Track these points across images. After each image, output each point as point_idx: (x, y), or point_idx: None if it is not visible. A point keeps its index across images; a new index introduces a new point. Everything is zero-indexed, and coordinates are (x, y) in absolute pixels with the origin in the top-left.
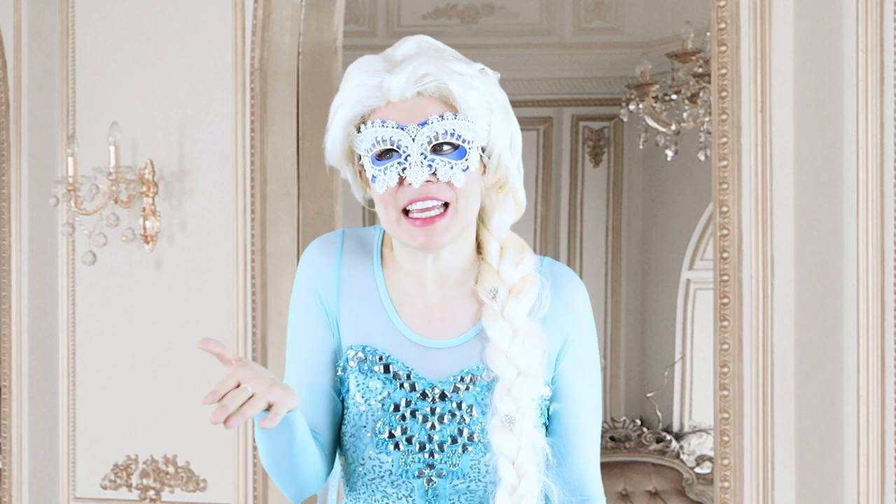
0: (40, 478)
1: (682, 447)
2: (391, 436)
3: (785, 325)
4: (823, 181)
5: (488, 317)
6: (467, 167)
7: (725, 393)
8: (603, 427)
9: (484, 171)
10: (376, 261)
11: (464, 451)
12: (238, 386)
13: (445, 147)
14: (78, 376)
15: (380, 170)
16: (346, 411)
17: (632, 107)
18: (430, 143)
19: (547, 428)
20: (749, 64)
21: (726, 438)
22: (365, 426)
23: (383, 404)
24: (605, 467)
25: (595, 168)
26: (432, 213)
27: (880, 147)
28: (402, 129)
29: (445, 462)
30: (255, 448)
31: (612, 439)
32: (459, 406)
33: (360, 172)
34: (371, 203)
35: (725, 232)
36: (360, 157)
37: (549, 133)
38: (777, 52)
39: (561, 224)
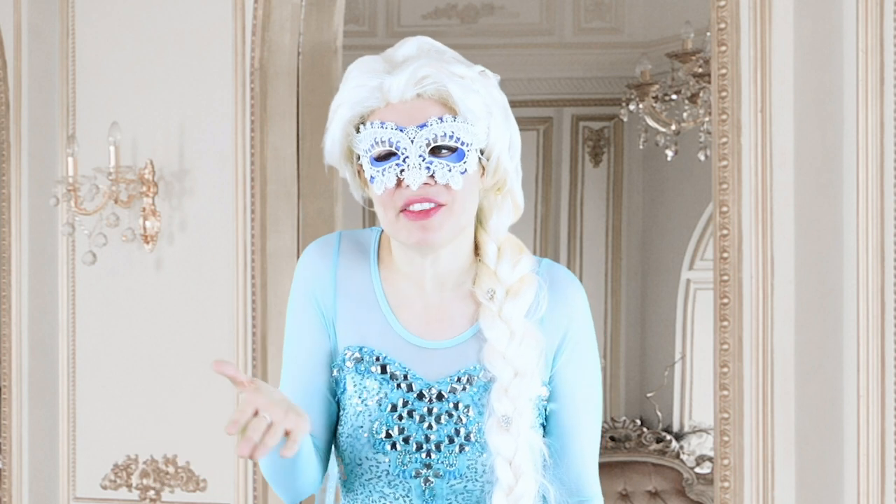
0: (40, 478)
1: (682, 447)
2: (388, 436)
3: (785, 325)
4: (823, 181)
5: (486, 318)
6: (465, 170)
7: (725, 393)
8: (603, 427)
9: (482, 174)
10: (373, 262)
11: (461, 451)
12: (256, 414)
13: (444, 150)
14: (78, 376)
15: (378, 171)
16: (342, 412)
17: (632, 107)
18: (428, 145)
19: (545, 428)
20: (749, 64)
21: (726, 438)
22: (362, 426)
23: (380, 404)
24: (605, 467)
25: (595, 168)
26: (427, 206)
27: (880, 147)
28: (401, 130)
29: (442, 462)
30: None
31: (612, 439)
32: (456, 406)
33: (358, 172)
34: (369, 202)
35: (725, 232)
36: (359, 157)
37: (549, 133)
38: (777, 52)
39: (561, 224)
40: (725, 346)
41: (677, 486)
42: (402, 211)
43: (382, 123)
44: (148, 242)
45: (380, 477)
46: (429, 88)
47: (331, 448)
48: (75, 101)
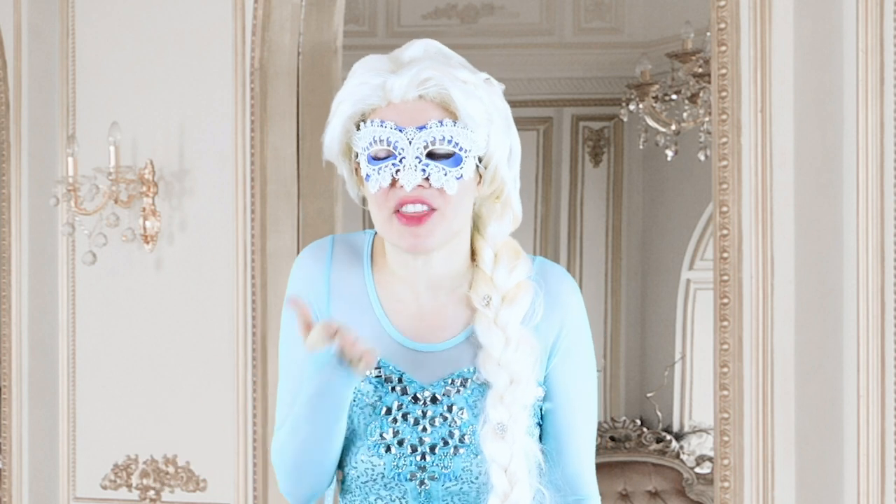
0: (40, 478)
1: (682, 447)
2: (383, 439)
3: (785, 325)
4: (823, 181)
5: (481, 324)
6: (461, 175)
7: (725, 393)
8: (603, 427)
9: (479, 181)
10: (366, 266)
11: (455, 454)
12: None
13: (441, 153)
14: (78, 376)
15: (374, 169)
16: None
17: (632, 107)
18: (426, 147)
19: (541, 427)
20: (749, 64)
21: (726, 438)
22: (357, 430)
23: (375, 408)
24: (605, 467)
25: (595, 168)
26: (419, 212)
27: (880, 147)
28: (399, 130)
29: (437, 464)
30: (255, 448)
31: (612, 439)
32: (450, 409)
33: (355, 170)
34: (364, 201)
35: (725, 232)
36: (357, 155)
37: (549, 133)
38: (777, 52)
39: (561, 224)
40: (725, 346)
41: (677, 486)
42: (395, 212)
43: (382, 122)
44: (148, 242)
45: (375, 480)
46: (431, 91)
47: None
48: (75, 101)
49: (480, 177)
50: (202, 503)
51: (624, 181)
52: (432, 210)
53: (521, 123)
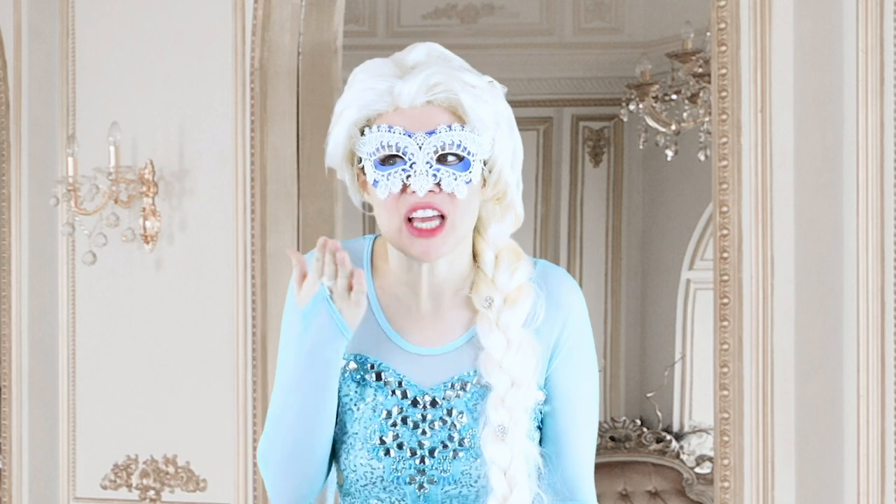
0: (40, 478)
1: (682, 447)
2: (382, 442)
3: (785, 325)
4: (823, 181)
5: (483, 326)
6: (470, 180)
7: (725, 393)
8: (603, 427)
9: (483, 184)
10: (366, 272)
11: (454, 457)
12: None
13: (451, 158)
14: (78, 376)
15: (383, 175)
16: (338, 419)
17: (632, 107)
18: (436, 152)
19: (541, 431)
20: (749, 64)
21: (726, 438)
22: (357, 433)
23: (375, 411)
24: (605, 467)
25: (595, 168)
26: (432, 224)
27: (880, 147)
28: (409, 136)
29: (436, 468)
30: (255, 448)
31: (612, 439)
32: (450, 412)
33: (358, 175)
34: (367, 207)
35: (725, 232)
36: (361, 161)
37: (549, 133)
38: (777, 52)
39: (561, 224)
40: (725, 346)
41: (677, 486)
42: (406, 221)
43: (390, 128)
44: (148, 242)
45: (374, 483)
46: (440, 96)
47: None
48: (75, 101)
49: (484, 180)
50: (202, 503)
51: (624, 181)
52: (442, 219)
53: (522, 123)
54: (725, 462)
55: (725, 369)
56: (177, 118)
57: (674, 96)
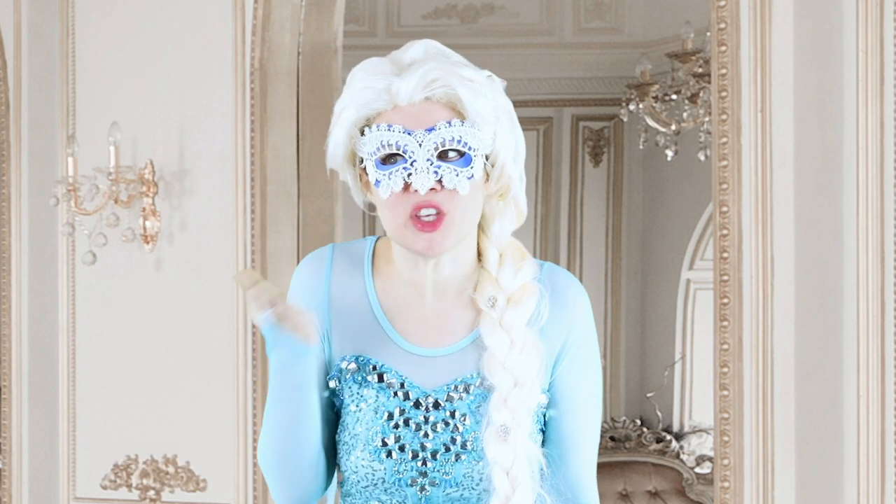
0: (40, 478)
1: (682, 447)
2: (384, 444)
3: (785, 325)
4: (823, 181)
5: (486, 326)
6: (472, 175)
7: (725, 393)
8: (603, 427)
9: (486, 179)
10: (367, 272)
11: (457, 460)
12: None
13: (452, 154)
14: (78, 376)
15: (384, 174)
16: (340, 420)
17: (632, 107)
18: (436, 149)
19: (543, 434)
20: (749, 64)
21: (726, 438)
22: (358, 435)
23: (376, 412)
24: (605, 467)
25: (595, 168)
26: (432, 218)
27: (880, 147)
28: (408, 133)
29: (438, 470)
30: (254, 448)
31: (612, 439)
32: (453, 415)
33: (360, 175)
34: (370, 207)
35: (725, 232)
36: (362, 161)
37: (549, 133)
38: (777, 52)
39: (561, 224)
40: (725, 346)
41: (677, 486)
42: (410, 217)
43: (389, 126)
44: (148, 242)
45: (376, 485)
46: (438, 92)
47: (332, 459)
48: (75, 101)
49: (487, 175)
50: (202, 503)
51: (624, 181)
52: (442, 214)
53: (522, 123)
54: (725, 462)
55: (725, 369)
56: (177, 118)
57: (674, 96)
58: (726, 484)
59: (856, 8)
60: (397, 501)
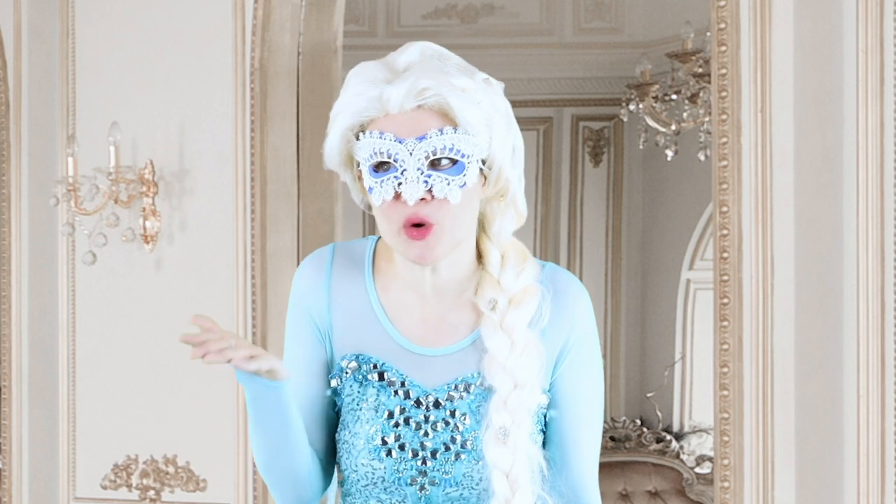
0: (40, 478)
1: (682, 447)
2: (384, 443)
3: (785, 325)
4: (823, 181)
5: (487, 328)
6: (464, 183)
7: (725, 393)
8: (603, 427)
9: (484, 183)
10: (368, 272)
11: (457, 459)
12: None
13: (444, 162)
14: (78, 376)
15: (377, 182)
16: (341, 419)
17: (632, 107)
18: (427, 157)
19: (545, 435)
20: (749, 64)
21: (726, 438)
22: (358, 433)
23: (377, 411)
24: (605, 467)
25: (595, 168)
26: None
27: (880, 147)
28: (399, 142)
29: (438, 470)
30: None
31: (612, 439)
32: (453, 414)
33: (358, 177)
34: (369, 207)
35: (725, 232)
36: (359, 164)
37: (549, 133)
38: (777, 52)
39: (561, 224)
40: (725, 346)
41: (677, 486)
42: (403, 226)
43: (381, 134)
44: (148, 242)
45: (376, 483)
46: (429, 100)
47: (334, 458)
48: (75, 101)
49: (485, 178)
50: (202, 503)
51: (624, 181)
52: (430, 225)
53: (522, 123)
54: (725, 462)
55: (725, 369)
56: (177, 118)
57: (674, 96)
58: (726, 484)
59: (856, 8)
60: (397, 500)
